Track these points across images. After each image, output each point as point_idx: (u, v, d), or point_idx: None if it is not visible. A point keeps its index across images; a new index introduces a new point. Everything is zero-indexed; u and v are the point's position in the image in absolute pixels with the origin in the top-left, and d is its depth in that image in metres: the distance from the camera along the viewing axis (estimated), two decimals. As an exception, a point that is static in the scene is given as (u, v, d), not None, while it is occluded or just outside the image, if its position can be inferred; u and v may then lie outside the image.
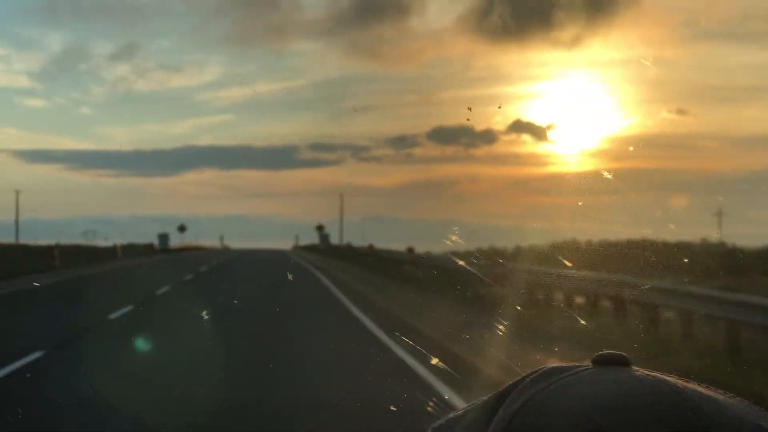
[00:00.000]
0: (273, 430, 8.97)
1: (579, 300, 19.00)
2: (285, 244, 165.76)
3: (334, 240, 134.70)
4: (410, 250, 38.64)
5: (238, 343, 15.71)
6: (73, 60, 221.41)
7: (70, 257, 58.47)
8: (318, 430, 8.80)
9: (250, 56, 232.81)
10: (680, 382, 0.99)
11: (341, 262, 49.55)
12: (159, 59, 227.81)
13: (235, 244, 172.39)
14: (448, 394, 10.27)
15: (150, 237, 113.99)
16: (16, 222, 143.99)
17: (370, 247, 54.69)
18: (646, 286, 11.08)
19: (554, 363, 1.05)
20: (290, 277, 35.35)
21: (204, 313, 19.90)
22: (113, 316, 19.91)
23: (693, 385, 0.99)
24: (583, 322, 11.53)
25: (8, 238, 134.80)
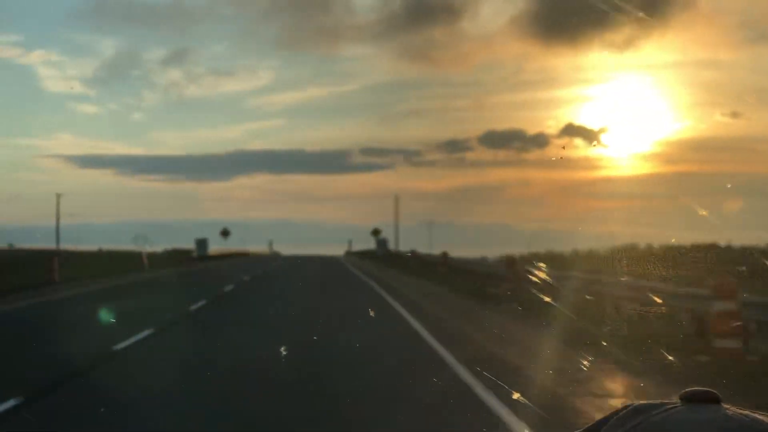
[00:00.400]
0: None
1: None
2: (336, 250, 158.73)
3: (390, 245, 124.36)
4: (510, 261, 27.78)
5: None
6: (125, 65, 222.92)
7: (82, 267, 49.05)
8: None
9: (302, 61, 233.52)
10: None
11: (417, 280, 38.48)
12: (210, 64, 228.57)
13: (286, 249, 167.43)
14: None
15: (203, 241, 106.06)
16: (57, 227, 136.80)
17: (444, 256, 44.15)
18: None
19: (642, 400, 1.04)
20: (370, 312, 22.70)
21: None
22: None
23: None
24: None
25: (49, 244, 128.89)
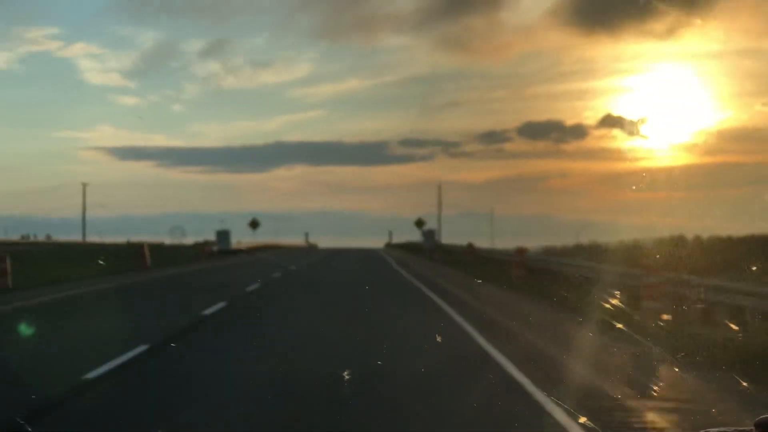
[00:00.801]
0: None
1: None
2: (376, 242, 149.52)
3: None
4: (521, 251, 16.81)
5: None
6: (164, 57, 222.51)
7: (60, 267, 39.22)
8: None
9: (340, 52, 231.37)
10: None
11: (504, 293, 26.85)
12: (249, 56, 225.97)
13: (324, 241, 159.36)
14: None
15: (239, 233, 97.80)
16: (83, 218, 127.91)
17: (520, 254, 33.18)
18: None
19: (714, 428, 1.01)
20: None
21: None
22: None
23: None
24: None
25: (75, 236, 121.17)
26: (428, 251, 71.38)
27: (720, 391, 10.11)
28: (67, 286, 30.49)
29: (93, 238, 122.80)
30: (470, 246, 51.62)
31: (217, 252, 70.94)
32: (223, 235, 74.27)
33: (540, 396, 9.54)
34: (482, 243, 73.50)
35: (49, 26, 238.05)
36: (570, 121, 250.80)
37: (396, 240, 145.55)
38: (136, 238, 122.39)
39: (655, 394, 10.07)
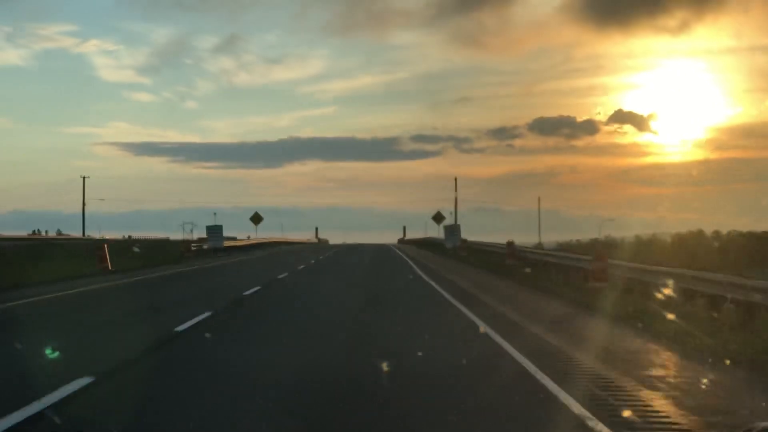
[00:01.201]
0: None
1: None
2: (388, 237, 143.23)
3: (437, 231, 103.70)
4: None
5: None
6: (178, 54, 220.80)
7: None
8: None
9: (352, 49, 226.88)
10: None
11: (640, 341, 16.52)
12: (262, 52, 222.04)
13: (337, 236, 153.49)
14: None
15: (248, 227, 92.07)
16: (83, 213, 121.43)
17: (599, 259, 23.07)
18: None
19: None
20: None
21: None
22: None
23: None
24: None
25: (75, 231, 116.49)
26: (452, 250, 61.48)
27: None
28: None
29: (94, 233, 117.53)
30: (511, 245, 41.60)
31: (211, 250, 61.23)
32: (215, 231, 63.97)
33: None
34: (493, 238, 66.38)
35: (64, 23, 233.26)
36: (581, 117, 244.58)
37: (410, 235, 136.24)
38: (140, 234, 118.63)
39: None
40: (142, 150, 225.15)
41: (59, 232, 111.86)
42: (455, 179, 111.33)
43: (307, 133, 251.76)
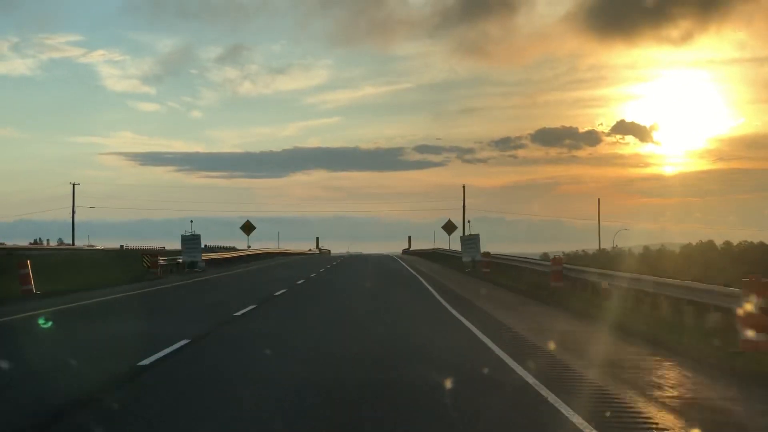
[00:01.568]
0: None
1: None
2: (392, 247, 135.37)
3: (444, 242, 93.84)
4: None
5: None
6: (183, 65, 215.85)
7: None
8: None
9: (356, 59, 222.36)
10: None
11: None
12: (266, 62, 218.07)
13: (340, 246, 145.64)
14: None
15: (252, 237, 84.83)
16: (72, 221, 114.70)
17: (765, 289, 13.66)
18: None
19: None
20: None
21: None
22: None
23: None
24: None
25: (88, 240, 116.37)
26: (470, 264, 51.41)
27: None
28: None
29: (83, 242, 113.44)
30: (558, 262, 31.53)
31: (186, 267, 51.23)
32: (191, 242, 53.56)
33: None
34: (498, 248, 60.62)
35: (70, 33, 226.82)
36: (583, 128, 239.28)
37: (415, 246, 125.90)
38: (141, 244, 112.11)
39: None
40: (148, 159, 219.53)
41: (60, 242, 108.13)
42: (463, 186, 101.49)
43: (311, 143, 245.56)
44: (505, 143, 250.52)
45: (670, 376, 12.10)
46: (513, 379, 11.57)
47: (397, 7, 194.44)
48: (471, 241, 54.00)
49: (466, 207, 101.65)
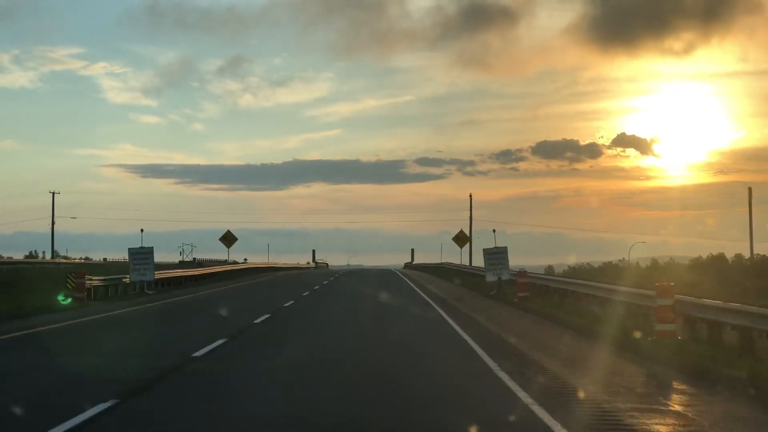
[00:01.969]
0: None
1: None
2: (393, 259, 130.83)
3: (456, 257, 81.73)
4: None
5: None
6: (184, 77, 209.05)
7: None
8: None
9: (357, 72, 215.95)
10: None
11: None
12: (267, 75, 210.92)
13: (342, 259, 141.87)
14: None
15: (248, 250, 77.19)
16: (52, 232, 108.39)
17: None
18: None
19: None
20: None
21: None
22: None
23: None
24: None
25: (88, 253, 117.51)
26: (495, 285, 39.74)
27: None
28: None
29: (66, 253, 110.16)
30: (667, 293, 19.80)
31: (135, 288, 39.64)
32: (140, 257, 41.90)
33: None
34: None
35: (72, 46, 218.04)
36: (584, 140, 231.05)
37: (418, 259, 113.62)
38: (115, 256, 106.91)
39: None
40: (149, 172, 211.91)
41: (55, 254, 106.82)
42: (470, 196, 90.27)
43: (312, 155, 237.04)
44: (506, 156, 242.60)
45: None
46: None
47: (398, 19, 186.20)
48: (498, 254, 41.84)
49: (467, 219, 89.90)
